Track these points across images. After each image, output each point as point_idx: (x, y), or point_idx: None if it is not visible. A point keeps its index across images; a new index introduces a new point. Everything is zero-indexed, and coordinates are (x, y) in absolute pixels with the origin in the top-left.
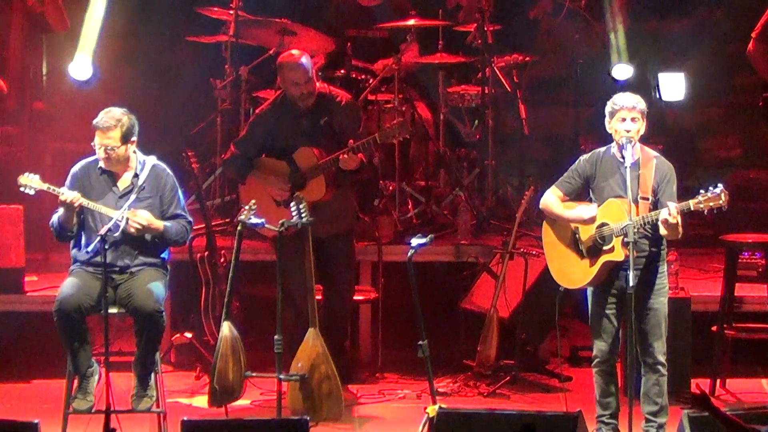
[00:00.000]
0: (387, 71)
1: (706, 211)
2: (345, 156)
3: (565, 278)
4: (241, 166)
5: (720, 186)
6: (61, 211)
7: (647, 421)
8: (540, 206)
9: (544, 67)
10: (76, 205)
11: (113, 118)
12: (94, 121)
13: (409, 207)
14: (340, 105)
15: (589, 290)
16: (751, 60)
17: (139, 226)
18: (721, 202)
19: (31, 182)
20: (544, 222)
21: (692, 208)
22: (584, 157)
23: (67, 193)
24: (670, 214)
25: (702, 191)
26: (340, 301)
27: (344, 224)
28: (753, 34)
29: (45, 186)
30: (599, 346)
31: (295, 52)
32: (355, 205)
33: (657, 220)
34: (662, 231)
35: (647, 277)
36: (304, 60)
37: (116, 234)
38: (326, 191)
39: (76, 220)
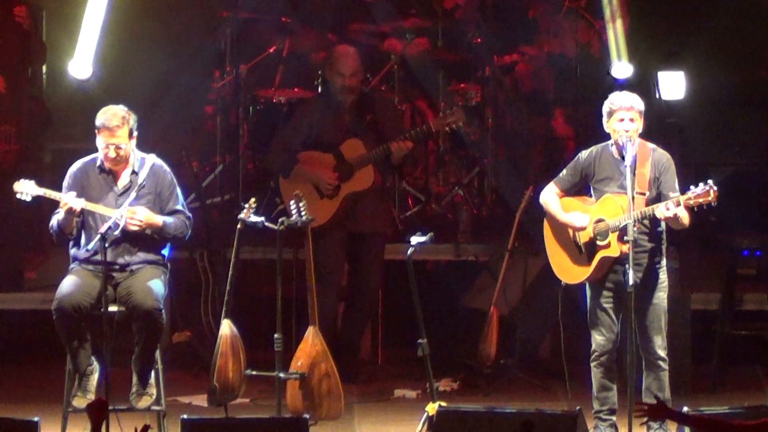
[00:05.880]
0: (397, 56)
1: (695, 208)
2: (398, 144)
3: (565, 273)
4: (285, 159)
5: (709, 182)
6: (61, 214)
7: None
8: (540, 201)
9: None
10: (78, 210)
11: (118, 116)
12: (99, 122)
13: (409, 205)
14: (382, 102)
15: (587, 284)
16: None
17: (139, 224)
18: (710, 198)
19: (26, 188)
20: (546, 217)
21: (682, 204)
22: (583, 153)
23: (71, 201)
24: (667, 209)
25: (692, 187)
26: (368, 302)
27: (382, 223)
28: None
29: (41, 191)
30: (597, 340)
31: (348, 46)
32: (390, 207)
33: (653, 214)
34: (666, 222)
35: (647, 272)
36: (354, 53)
37: (116, 232)
38: (374, 181)
39: (75, 222)
